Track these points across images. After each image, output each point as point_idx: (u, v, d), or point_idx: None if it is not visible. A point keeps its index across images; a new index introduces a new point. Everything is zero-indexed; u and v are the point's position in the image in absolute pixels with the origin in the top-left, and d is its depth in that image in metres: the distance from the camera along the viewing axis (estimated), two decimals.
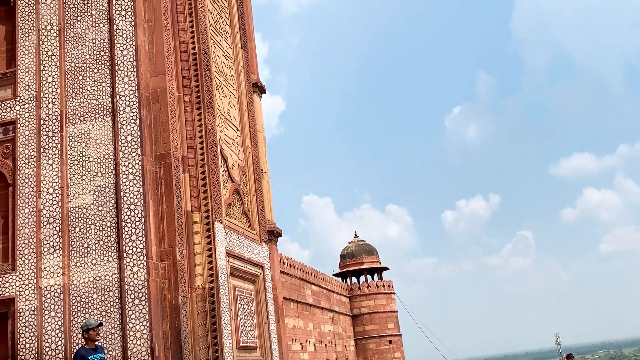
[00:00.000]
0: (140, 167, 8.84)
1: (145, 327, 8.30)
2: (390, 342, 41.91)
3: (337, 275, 44.28)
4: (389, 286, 43.50)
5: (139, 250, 8.53)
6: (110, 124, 9.11)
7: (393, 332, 42.43)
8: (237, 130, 11.39)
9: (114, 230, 8.69)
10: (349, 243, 45.41)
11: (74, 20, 9.68)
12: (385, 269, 44.95)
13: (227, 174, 10.43)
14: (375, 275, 44.98)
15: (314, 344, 32.95)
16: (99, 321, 7.33)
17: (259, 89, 12.71)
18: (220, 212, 9.64)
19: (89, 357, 6.92)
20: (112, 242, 8.66)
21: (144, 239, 8.57)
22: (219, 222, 9.54)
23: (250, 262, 10.64)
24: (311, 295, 34.16)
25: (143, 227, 8.61)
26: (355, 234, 46.11)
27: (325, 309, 36.31)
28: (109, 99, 9.18)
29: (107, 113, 9.17)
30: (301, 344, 30.84)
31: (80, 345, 7.90)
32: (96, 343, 7.18)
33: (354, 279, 44.71)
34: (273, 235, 12.04)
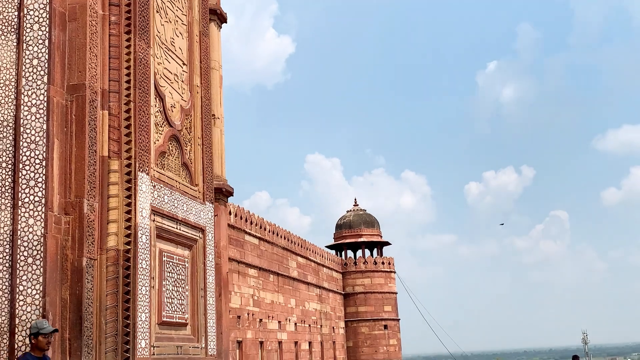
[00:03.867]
0: (45, 99, 8.24)
1: (38, 291, 7.83)
2: (385, 326, 41.89)
3: (330, 247, 44.11)
4: (389, 263, 43.29)
5: (36, 198, 8.00)
6: (15, 44, 8.47)
7: (390, 315, 42.39)
8: (184, 64, 10.76)
9: (9, 172, 8.15)
10: (347, 212, 45.09)
11: None
12: (387, 243, 44.69)
13: (162, 115, 9.85)
14: (375, 251, 44.75)
15: (295, 323, 32.86)
16: (54, 327, 6.70)
17: (219, 17, 12.01)
18: (147, 161, 9.09)
19: None
20: (7, 187, 8.13)
21: (43, 186, 8.03)
22: (145, 172, 9.00)
23: (187, 223, 10.14)
24: (296, 268, 33.94)
25: (44, 172, 8.07)
26: (355, 202, 45.76)
27: (312, 284, 36.15)
28: (15, 13, 8.54)
29: (12, 30, 8.53)
30: (279, 322, 30.73)
31: (23, 352, 7.39)
32: (45, 353, 6.54)
33: (350, 253, 44.52)
34: (222, 194, 11.50)
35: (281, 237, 32.25)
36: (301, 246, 35.04)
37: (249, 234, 28.34)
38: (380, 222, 44.56)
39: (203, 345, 10.40)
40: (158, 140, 9.66)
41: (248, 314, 27.38)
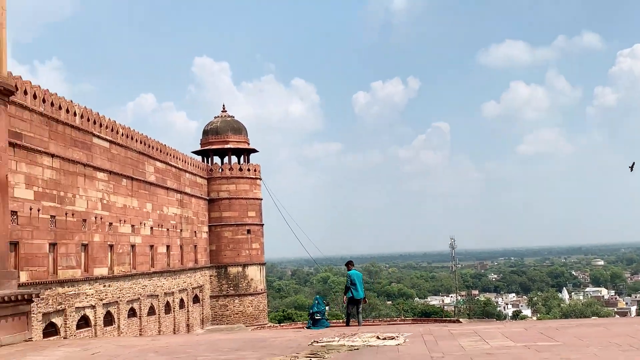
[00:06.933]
0: None
1: None
2: (249, 231, 42.42)
3: (197, 153, 43.58)
4: (255, 170, 43.44)
5: None
6: None
7: (254, 221, 42.87)
8: None
9: None
10: (215, 118, 44.46)
11: None
12: (254, 151, 44.70)
13: None
14: (242, 158, 44.67)
15: (151, 227, 32.58)
16: None
17: None
18: None
19: None
20: None
21: None
22: None
23: None
24: (154, 172, 33.36)
25: None
26: (223, 108, 45.11)
27: (172, 189, 35.77)
28: None
29: None
30: (133, 226, 30.34)
31: None
32: None
33: (217, 160, 44.27)
34: (1, 92, 10.80)
35: (137, 141, 31.40)
36: (160, 151, 34.35)
37: (98, 137, 27.37)
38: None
39: None
40: None
41: (96, 218, 26.80)
